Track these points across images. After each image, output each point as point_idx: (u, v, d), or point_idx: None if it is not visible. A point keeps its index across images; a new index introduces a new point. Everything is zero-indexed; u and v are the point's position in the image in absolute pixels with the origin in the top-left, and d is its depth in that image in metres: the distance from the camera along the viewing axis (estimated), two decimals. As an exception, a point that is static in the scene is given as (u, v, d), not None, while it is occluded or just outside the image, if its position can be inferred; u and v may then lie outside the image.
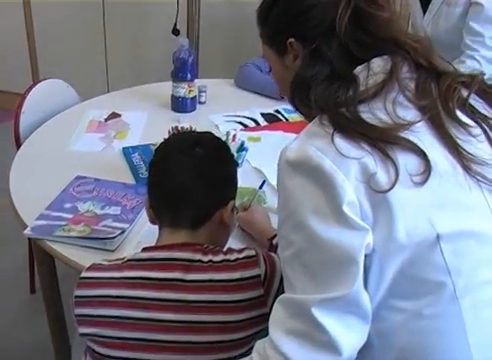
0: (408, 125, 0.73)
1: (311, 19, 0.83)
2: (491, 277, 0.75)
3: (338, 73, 0.79)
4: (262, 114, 1.93)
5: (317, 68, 0.80)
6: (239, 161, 1.44)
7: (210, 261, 0.94)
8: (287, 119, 1.90)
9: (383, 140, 0.72)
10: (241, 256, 0.96)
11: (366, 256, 0.72)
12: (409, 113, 0.76)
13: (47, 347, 1.70)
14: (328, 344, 0.70)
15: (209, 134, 1.09)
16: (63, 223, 1.31)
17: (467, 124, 0.78)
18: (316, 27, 0.82)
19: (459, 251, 0.73)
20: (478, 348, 0.73)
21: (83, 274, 0.98)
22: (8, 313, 2.05)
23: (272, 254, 1.01)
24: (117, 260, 1.00)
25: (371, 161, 0.71)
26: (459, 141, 0.76)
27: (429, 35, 1.83)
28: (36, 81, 1.89)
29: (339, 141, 0.72)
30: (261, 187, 1.35)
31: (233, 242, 1.24)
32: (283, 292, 0.92)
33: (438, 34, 1.83)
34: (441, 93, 0.78)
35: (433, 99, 0.77)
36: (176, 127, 1.45)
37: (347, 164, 0.71)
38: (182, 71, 1.82)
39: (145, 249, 0.97)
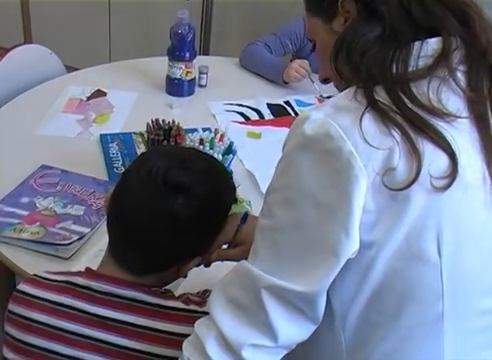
0: (448, 116, 0.66)
1: None
2: (487, 307, 0.71)
3: (393, 33, 0.70)
4: (269, 105, 1.72)
5: (369, 26, 0.71)
6: (224, 167, 1.21)
7: (158, 306, 0.82)
8: (297, 113, 1.68)
9: (416, 125, 0.65)
10: (200, 310, 0.83)
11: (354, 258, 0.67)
12: (455, 102, 0.67)
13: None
14: (264, 325, 0.67)
15: (200, 163, 0.85)
16: (15, 221, 1.20)
17: None
18: None
19: (461, 278, 0.69)
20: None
21: (20, 286, 0.88)
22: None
23: None
24: (61, 274, 0.87)
25: (396, 154, 0.64)
26: None
27: None
28: (11, 46, 1.69)
29: (367, 124, 0.65)
30: (243, 221, 0.91)
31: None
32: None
33: None
34: None
35: (484, 96, 0.69)
36: (156, 120, 1.23)
37: (369, 152, 0.64)
38: (180, 49, 1.61)
39: (87, 272, 0.86)
